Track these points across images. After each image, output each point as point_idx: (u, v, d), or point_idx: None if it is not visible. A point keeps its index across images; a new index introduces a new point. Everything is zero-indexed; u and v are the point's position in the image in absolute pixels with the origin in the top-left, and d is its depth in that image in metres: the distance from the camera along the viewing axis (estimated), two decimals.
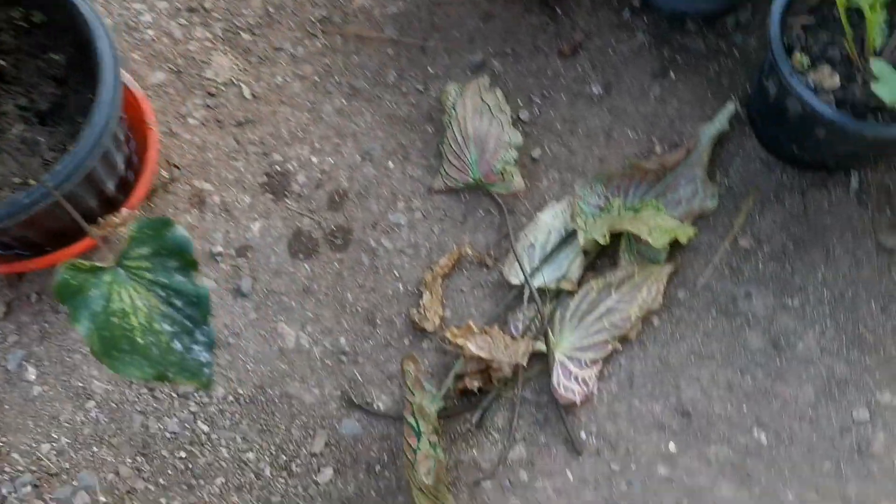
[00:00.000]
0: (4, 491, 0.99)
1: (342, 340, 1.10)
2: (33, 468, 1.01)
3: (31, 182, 0.89)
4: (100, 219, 1.01)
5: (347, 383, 1.09)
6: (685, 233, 1.08)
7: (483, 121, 1.18)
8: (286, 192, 1.17)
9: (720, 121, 1.19)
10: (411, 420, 0.96)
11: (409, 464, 0.95)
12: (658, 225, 1.07)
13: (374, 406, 1.08)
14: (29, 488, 1.00)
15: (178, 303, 0.66)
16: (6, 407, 1.04)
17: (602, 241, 1.05)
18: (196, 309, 0.66)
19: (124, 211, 1.02)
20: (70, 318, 0.64)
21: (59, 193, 0.86)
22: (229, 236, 1.14)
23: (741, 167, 1.19)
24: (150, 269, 0.65)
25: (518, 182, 1.15)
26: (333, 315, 1.12)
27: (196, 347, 0.67)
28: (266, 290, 1.12)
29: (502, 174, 1.15)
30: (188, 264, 0.66)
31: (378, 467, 1.05)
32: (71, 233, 1.02)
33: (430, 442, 0.95)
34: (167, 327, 0.66)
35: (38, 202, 0.84)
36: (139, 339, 0.65)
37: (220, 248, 1.13)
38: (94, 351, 0.64)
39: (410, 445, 0.96)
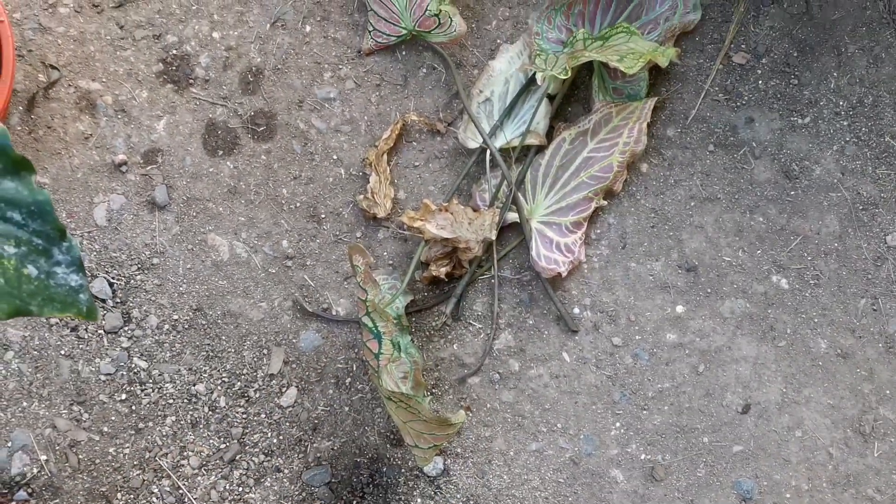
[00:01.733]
0: None
1: (284, 243, 0.95)
2: None
3: None
4: None
5: (298, 291, 0.94)
6: (665, 55, 0.89)
7: None
8: (189, 80, 0.98)
9: None
10: (367, 322, 0.82)
11: (374, 372, 0.82)
12: (631, 50, 0.88)
13: (333, 311, 0.94)
14: None
15: (16, 216, 0.50)
16: None
17: (563, 76, 0.87)
18: (41, 221, 0.50)
19: None
20: None
21: None
22: (132, 141, 0.96)
23: None
24: None
25: (459, 23, 0.95)
26: (270, 216, 0.95)
27: (59, 270, 0.51)
28: (186, 197, 0.95)
29: (437, 17, 0.95)
30: (17, 164, 0.49)
31: (349, 380, 0.92)
32: None
33: (393, 343, 0.81)
34: (11, 249, 0.50)
35: None
36: None
37: (123, 157, 0.95)
38: None
39: (371, 350, 0.82)
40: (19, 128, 0.94)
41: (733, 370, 0.91)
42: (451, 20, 0.95)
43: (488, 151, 0.94)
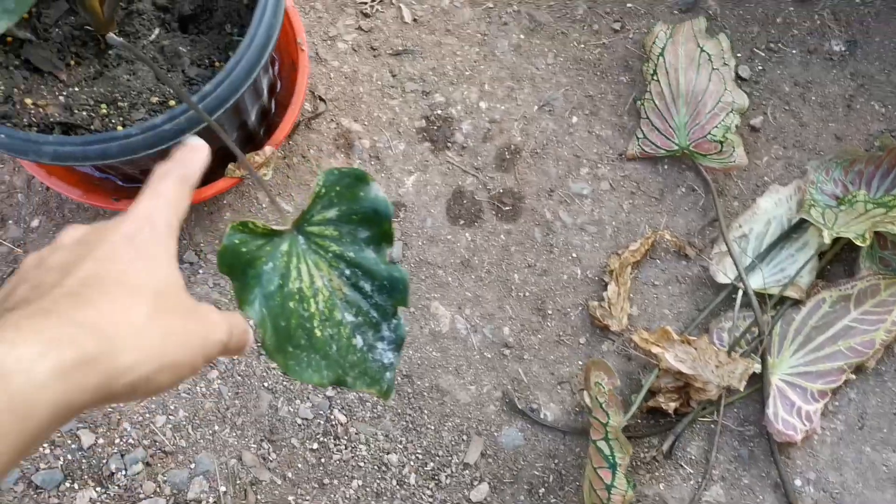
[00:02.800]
0: (113, 467, 0.85)
1: (505, 330, 0.92)
2: (146, 442, 0.87)
3: (171, 103, 0.71)
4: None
5: (510, 383, 0.90)
6: None
7: (700, 74, 0.94)
8: (447, 143, 0.97)
9: None
10: (604, 447, 0.77)
11: (599, 502, 0.77)
12: None
13: (541, 415, 0.89)
14: (140, 466, 0.86)
15: (367, 287, 0.46)
16: None
17: (861, 243, 0.82)
18: (387, 297, 0.47)
19: (267, 148, 0.84)
20: (237, 296, 0.45)
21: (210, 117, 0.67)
22: None
23: None
24: (337, 238, 0.46)
25: (740, 155, 0.92)
26: (496, 298, 0.92)
27: (380, 346, 0.48)
28: (419, 258, 0.93)
29: (721, 144, 0.92)
30: (383, 237, 0.46)
31: (542, 490, 0.87)
32: (206, 170, 0.85)
33: (627, 480, 0.76)
34: (349, 317, 0.47)
35: (182, 130, 0.66)
36: (317, 332, 0.46)
37: None
38: (265, 345, 0.45)
39: (602, 480, 0.77)
40: (278, 154, 0.94)
41: None
42: (734, 150, 0.91)
43: (741, 291, 0.89)
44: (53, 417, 0.28)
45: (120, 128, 0.70)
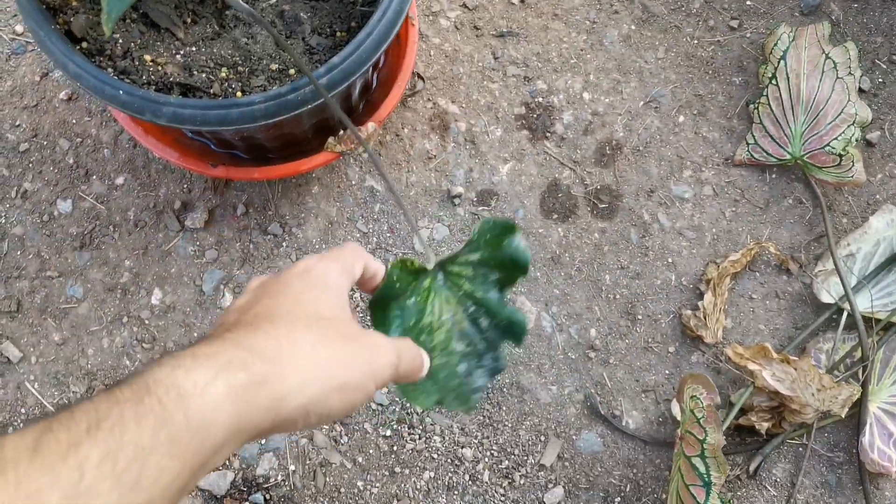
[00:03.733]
0: None
1: (592, 332, 0.88)
2: None
3: (292, 72, 0.68)
4: (340, 131, 0.81)
5: (593, 386, 0.87)
6: None
7: (823, 82, 0.89)
8: (546, 132, 0.93)
9: None
10: (699, 465, 0.74)
11: None
12: None
13: (623, 422, 0.86)
14: None
15: (484, 323, 0.47)
16: (195, 334, 0.88)
17: None
18: (501, 334, 0.47)
19: (370, 125, 0.81)
20: (375, 327, 0.46)
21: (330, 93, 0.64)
22: (472, 176, 0.92)
23: None
24: (471, 277, 0.46)
25: (859, 171, 0.87)
26: (585, 298, 0.89)
27: (477, 372, 0.48)
28: None
29: (840, 157, 0.87)
30: (511, 281, 0.46)
31: (618, 499, 0.84)
32: (302, 142, 0.82)
33: (720, 499, 0.73)
34: (460, 347, 0.48)
35: (306, 101, 0.63)
36: (435, 361, 0.47)
37: (459, 189, 0.91)
38: None
39: (694, 497, 0.74)
40: (380, 131, 0.91)
41: None
42: (853, 165, 0.87)
43: (846, 312, 0.85)
44: (228, 437, 0.30)
45: (239, 94, 0.67)
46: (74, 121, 0.94)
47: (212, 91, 0.66)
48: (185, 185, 0.91)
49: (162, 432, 0.27)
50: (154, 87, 0.65)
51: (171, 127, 0.63)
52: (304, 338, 0.34)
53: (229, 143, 0.82)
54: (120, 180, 0.92)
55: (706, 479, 0.74)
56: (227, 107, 0.62)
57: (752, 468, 0.84)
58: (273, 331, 0.33)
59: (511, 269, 0.45)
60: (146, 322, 0.87)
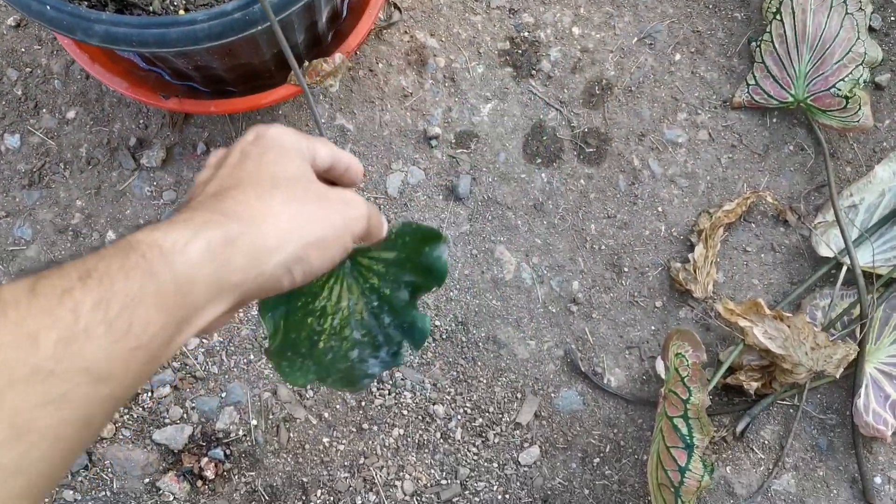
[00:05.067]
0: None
1: (575, 284, 0.83)
2: (175, 365, 0.81)
3: None
4: (305, 62, 0.75)
5: (574, 342, 0.82)
6: None
7: (832, 18, 0.82)
8: (532, 70, 0.86)
9: None
10: (681, 425, 0.70)
11: (667, 485, 0.70)
12: None
13: (604, 379, 0.82)
14: (168, 389, 0.80)
15: (386, 319, 0.44)
16: None
17: None
18: (401, 334, 0.44)
19: (337, 56, 0.74)
20: (259, 309, 0.43)
21: (279, 16, 0.57)
22: (450, 115, 0.85)
23: None
24: (382, 274, 0.43)
25: (866, 115, 0.81)
26: (569, 248, 0.84)
27: (371, 361, 0.45)
28: (487, 196, 0.84)
29: (846, 100, 0.81)
30: (426, 289, 0.43)
31: (597, 460, 0.80)
32: (265, 73, 0.76)
33: (704, 464, 0.69)
34: (356, 335, 0.45)
35: (255, 21, 0.56)
36: (321, 344, 0.44)
37: (437, 130, 0.84)
38: (268, 348, 0.43)
39: (675, 460, 0.70)
40: (349, 64, 0.84)
41: None
42: (860, 108, 0.80)
43: (845, 267, 0.80)
44: (210, 296, 0.30)
45: (182, 12, 0.60)
46: (23, 49, 0.87)
47: (151, 8, 0.59)
48: (142, 121, 0.84)
49: (150, 285, 0.28)
50: (87, 2, 0.58)
51: (105, 48, 0.57)
52: (274, 197, 0.34)
53: (185, 73, 0.76)
54: (71, 114, 0.85)
55: (688, 441, 0.69)
56: (166, 25, 0.56)
57: (738, 430, 0.79)
58: (241, 196, 0.33)
59: (426, 277, 0.42)
60: None
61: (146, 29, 0.56)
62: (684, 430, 0.70)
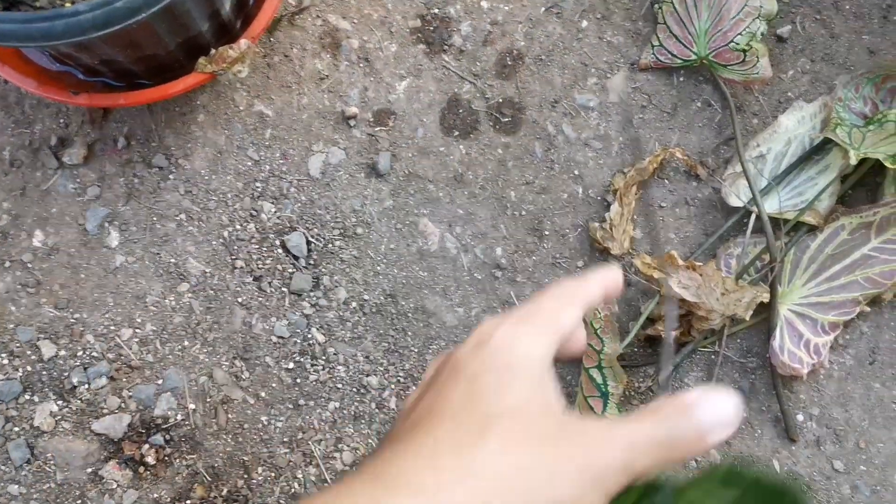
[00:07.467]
0: (75, 380, 0.81)
1: (498, 251, 0.85)
2: (110, 356, 0.82)
3: None
4: (212, 50, 0.76)
5: (500, 306, 0.85)
6: None
7: None
8: (444, 45, 0.89)
9: None
10: (596, 375, 0.72)
11: None
12: None
13: None
14: (104, 380, 0.81)
15: None
16: (81, 276, 0.84)
17: (890, 164, 0.75)
18: None
19: (242, 42, 0.76)
20: None
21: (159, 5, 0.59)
22: (367, 95, 0.87)
23: None
24: None
25: (764, 67, 0.84)
26: (490, 216, 0.86)
27: None
28: (408, 171, 0.86)
29: (744, 53, 0.83)
30: None
31: None
32: (175, 64, 0.77)
33: (618, 409, 0.71)
34: None
35: (138, 9, 0.58)
36: None
37: (354, 110, 0.86)
38: None
39: (592, 409, 0.72)
40: (256, 49, 0.86)
41: None
42: (758, 61, 0.83)
43: (754, 215, 0.82)
44: None
45: (69, 4, 0.62)
46: None
47: (38, 4, 0.60)
48: (62, 120, 0.85)
49: None
50: None
51: None
52: (481, 446, 0.25)
53: (95, 69, 0.77)
54: None
55: (603, 390, 0.72)
56: (50, 19, 0.57)
57: (661, 379, 0.82)
58: (431, 442, 0.25)
59: None
60: (29, 266, 0.83)
61: (32, 24, 0.57)
62: (599, 380, 0.72)
